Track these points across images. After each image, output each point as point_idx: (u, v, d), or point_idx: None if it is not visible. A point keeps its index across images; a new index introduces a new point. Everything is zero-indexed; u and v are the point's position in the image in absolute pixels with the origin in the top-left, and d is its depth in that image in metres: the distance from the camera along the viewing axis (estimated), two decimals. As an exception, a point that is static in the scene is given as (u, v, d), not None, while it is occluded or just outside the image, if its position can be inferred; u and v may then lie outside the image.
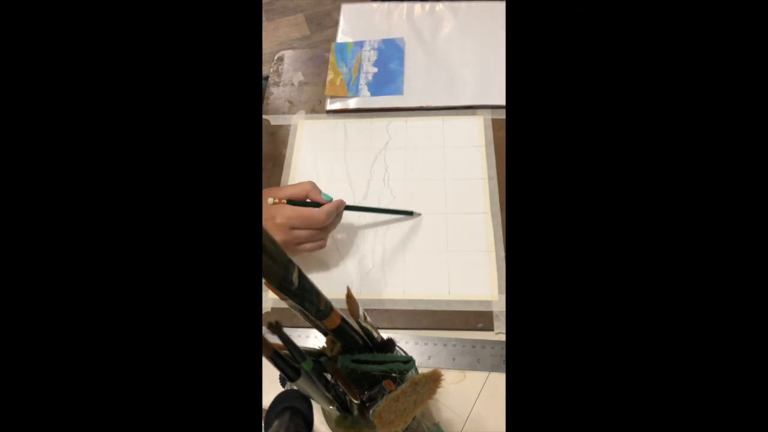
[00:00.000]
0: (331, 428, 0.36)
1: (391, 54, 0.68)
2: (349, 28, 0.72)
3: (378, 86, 0.65)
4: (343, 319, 0.31)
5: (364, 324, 0.34)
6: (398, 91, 0.64)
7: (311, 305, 0.29)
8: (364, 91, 0.65)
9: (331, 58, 0.68)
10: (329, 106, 0.64)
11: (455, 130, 0.61)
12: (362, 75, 0.66)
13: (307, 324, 0.32)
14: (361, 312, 0.34)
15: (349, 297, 0.33)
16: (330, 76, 0.66)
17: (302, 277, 0.28)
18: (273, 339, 0.29)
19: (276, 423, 0.33)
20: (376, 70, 0.67)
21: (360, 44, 0.69)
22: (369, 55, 0.68)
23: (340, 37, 0.71)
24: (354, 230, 0.55)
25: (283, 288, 0.27)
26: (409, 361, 0.34)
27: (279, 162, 0.61)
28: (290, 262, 0.27)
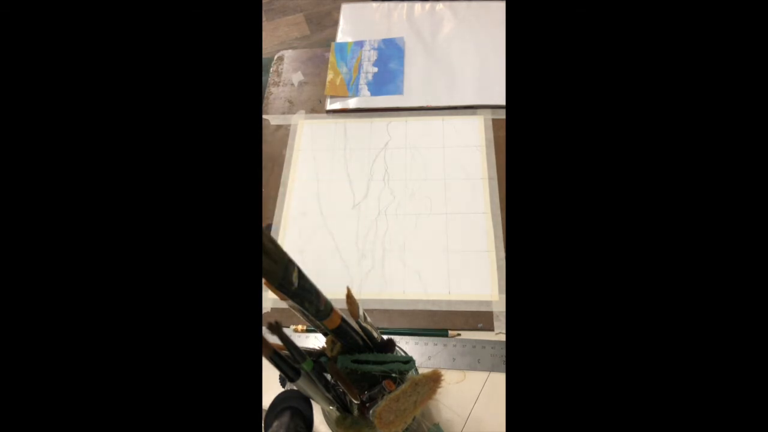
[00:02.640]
0: (331, 428, 0.36)
1: (391, 54, 0.68)
2: (349, 27, 0.72)
3: (378, 86, 0.65)
4: (343, 319, 0.31)
5: (364, 324, 0.34)
6: (398, 90, 0.64)
7: (311, 305, 0.29)
8: (364, 90, 0.65)
9: (331, 57, 0.68)
10: (329, 106, 0.64)
11: (455, 130, 0.61)
12: (362, 75, 0.66)
13: (307, 324, 0.32)
14: (361, 312, 0.34)
15: (349, 297, 0.33)
16: (330, 75, 0.66)
17: (302, 277, 0.27)
18: (273, 339, 0.29)
19: (276, 423, 0.33)
20: (376, 69, 0.67)
21: (360, 44, 0.69)
22: (369, 55, 0.68)
23: (340, 37, 0.71)
24: (354, 230, 0.55)
25: (282, 288, 0.26)
26: (409, 361, 0.34)
27: (279, 162, 0.61)
28: (290, 262, 0.27)
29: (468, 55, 0.67)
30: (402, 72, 0.66)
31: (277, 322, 0.28)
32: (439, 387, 0.30)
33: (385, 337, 0.36)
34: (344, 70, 0.67)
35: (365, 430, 0.32)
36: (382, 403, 0.30)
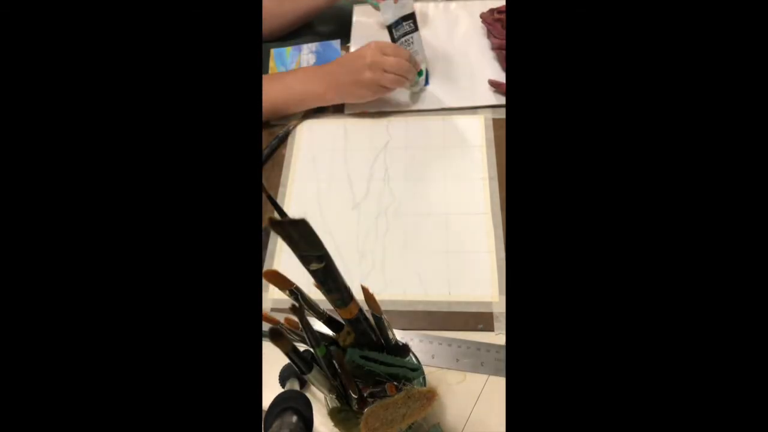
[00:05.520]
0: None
1: (329, 56, 0.69)
2: (362, 29, 0.72)
3: None
4: (360, 311, 0.31)
5: (383, 321, 0.34)
6: None
7: (335, 291, 0.29)
8: None
9: (271, 63, 0.70)
10: (348, 110, 0.64)
11: (455, 130, 0.61)
12: None
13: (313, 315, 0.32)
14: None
15: (368, 294, 0.33)
16: None
17: (327, 268, 0.28)
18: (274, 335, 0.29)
19: (276, 423, 0.33)
20: None
21: (298, 48, 0.71)
22: (307, 59, 0.70)
23: (354, 39, 0.71)
24: (354, 230, 0.55)
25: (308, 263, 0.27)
26: (416, 369, 0.34)
27: (279, 162, 0.61)
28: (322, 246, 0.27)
29: (485, 55, 0.66)
30: None
31: (300, 305, 0.28)
32: (430, 407, 0.30)
33: (401, 341, 0.36)
34: None
35: (354, 429, 0.32)
36: (372, 408, 0.30)
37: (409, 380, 0.34)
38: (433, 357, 0.47)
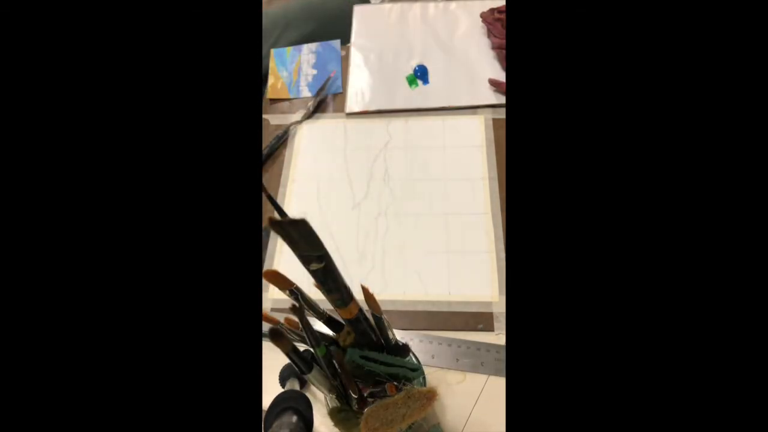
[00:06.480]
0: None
1: (329, 56, 0.69)
2: (362, 29, 0.72)
3: (318, 86, 0.66)
4: (360, 311, 0.31)
5: (383, 321, 0.34)
6: (338, 89, 0.66)
7: (335, 291, 0.29)
8: (305, 91, 0.66)
9: (271, 63, 0.70)
10: (348, 109, 0.64)
11: (455, 130, 0.61)
12: (302, 77, 0.68)
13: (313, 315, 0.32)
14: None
15: (368, 294, 0.33)
16: (271, 80, 0.68)
17: (327, 268, 0.28)
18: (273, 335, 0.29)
19: (276, 423, 0.33)
20: (315, 71, 0.68)
21: (299, 49, 0.71)
22: (308, 59, 0.70)
23: (354, 39, 0.71)
24: (354, 230, 0.55)
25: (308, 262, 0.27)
26: (416, 369, 0.34)
27: (279, 162, 0.61)
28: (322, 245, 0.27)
29: (485, 55, 0.66)
30: (339, 72, 0.67)
31: (301, 305, 0.28)
32: (430, 407, 0.30)
33: (401, 341, 0.36)
34: (284, 74, 0.69)
35: (354, 429, 0.32)
36: (372, 407, 0.30)
37: (409, 380, 0.34)
38: (433, 357, 0.47)
